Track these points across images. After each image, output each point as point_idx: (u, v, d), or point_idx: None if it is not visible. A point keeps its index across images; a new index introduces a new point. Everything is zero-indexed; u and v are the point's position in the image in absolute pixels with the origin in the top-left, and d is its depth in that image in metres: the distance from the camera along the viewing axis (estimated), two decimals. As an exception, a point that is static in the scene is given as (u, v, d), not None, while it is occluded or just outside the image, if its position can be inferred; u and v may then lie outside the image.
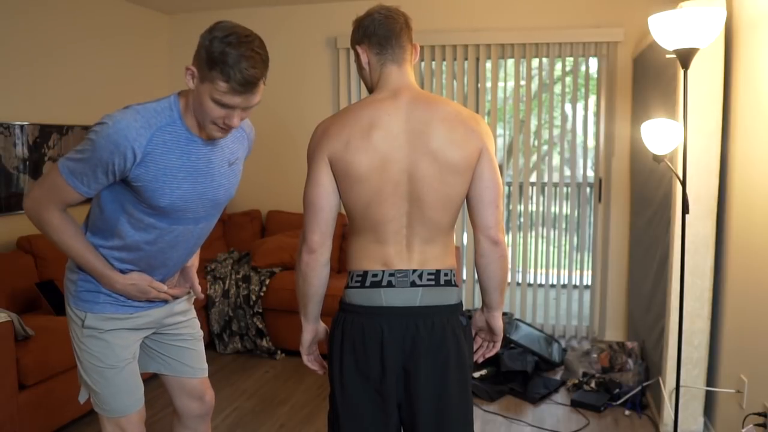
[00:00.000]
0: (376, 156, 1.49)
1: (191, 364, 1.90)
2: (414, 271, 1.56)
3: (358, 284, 1.57)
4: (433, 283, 1.56)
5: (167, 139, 1.51)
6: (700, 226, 2.71)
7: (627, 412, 3.12)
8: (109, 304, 1.69)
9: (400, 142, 1.50)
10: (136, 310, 1.74)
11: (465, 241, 4.50)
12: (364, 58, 1.60)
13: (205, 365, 1.95)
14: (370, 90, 1.63)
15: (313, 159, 1.54)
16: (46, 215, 1.58)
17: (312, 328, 1.68)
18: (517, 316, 4.34)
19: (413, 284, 1.55)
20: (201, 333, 1.95)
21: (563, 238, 4.96)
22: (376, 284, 1.55)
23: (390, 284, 1.55)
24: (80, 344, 1.70)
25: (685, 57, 2.21)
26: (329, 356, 1.61)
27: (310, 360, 1.74)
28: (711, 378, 2.80)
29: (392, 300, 1.55)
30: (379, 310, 1.55)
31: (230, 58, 1.37)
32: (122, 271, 1.68)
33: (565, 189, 4.72)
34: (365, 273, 1.56)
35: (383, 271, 1.55)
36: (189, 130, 1.55)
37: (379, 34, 1.57)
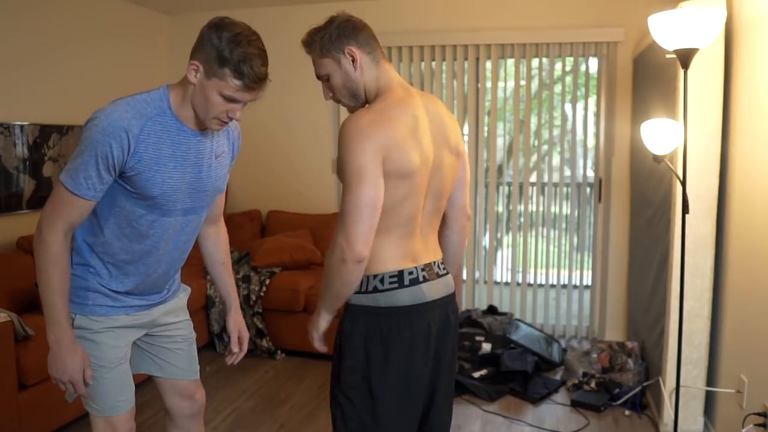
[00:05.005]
0: (421, 153, 1.51)
1: (182, 365, 1.88)
2: (434, 262, 1.62)
3: (396, 285, 1.52)
4: (446, 271, 1.66)
5: (158, 129, 1.53)
6: (700, 226, 2.71)
7: (627, 412, 3.12)
8: (99, 305, 1.65)
9: (429, 137, 1.54)
10: (131, 310, 1.71)
11: (465, 241, 4.49)
12: (359, 58, 1.54)
13: (197, 367, 1.93)
14: (360, 93, 1.58)
15: (367, 157, 1.41)
16: (49, 237, 1.52)
17: (330, 319, 1.64)
18: (517, 316, 4.34)
19: (437, 275, 1.61)
20: (194, 335, 1.93)
21: (563, 238, 4.96)
22: (415, 281, 1.55)
23: (425, 279, 1.57)
24: None
25: (685, 57, 2.21)
26: (364, 371, 1.54)
27: (321, 343, 1.71)
28: (711, 378, 2.80)
29: (433, 293, 1.58)
30: (425, 306, 1.55)
31: (244, 57, 1.43)
32: (119, 284, 1.65)
33: (565, 189, 4.72)
34: (400, 272, 1.53)
35: (416, 268, 1.56)
36: (179, 120, 1.57)
37: (364, 33, 1.56)
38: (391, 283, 1.52)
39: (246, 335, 2.01)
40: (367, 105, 1.56)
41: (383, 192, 1.43)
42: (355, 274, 1.46)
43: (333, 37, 1.53)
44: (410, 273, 1.54)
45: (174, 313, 1.86)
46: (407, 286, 1.53)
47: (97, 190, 1.51)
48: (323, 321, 1.64)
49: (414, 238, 1.56)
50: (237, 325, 1.98)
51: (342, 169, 1.43)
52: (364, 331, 1.52)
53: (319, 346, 1.70)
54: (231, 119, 1.54)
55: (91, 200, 1.53)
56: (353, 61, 1.54)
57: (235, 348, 1.97)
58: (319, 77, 1.59)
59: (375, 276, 1.52)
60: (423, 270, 1.56)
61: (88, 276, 1.65)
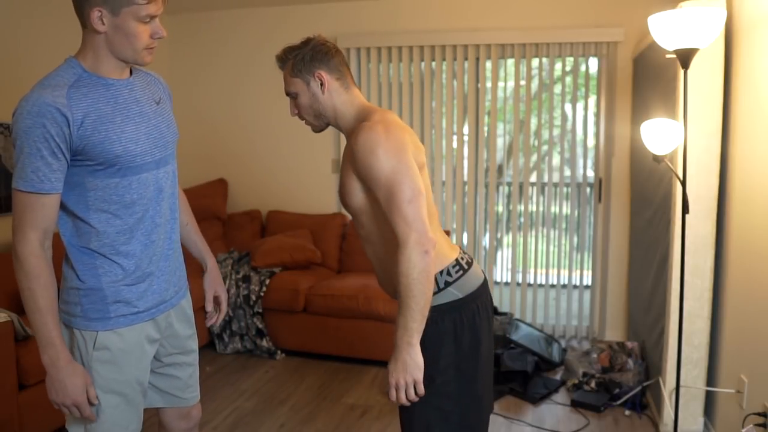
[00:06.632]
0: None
1: (186, 396, 1.82)
2: None
3: (461, 272, 1.60)
4: None
5: (85, 92, 1.49)
6: (700, 226, 2.71)
7: (627, 412, 3.12)
8: (122, 316, 1.57)
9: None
10: (156, 313, 1.65)
11: (465, 241, 4.50)
12: (327, 83, 1.60)
13: (198, 390, 1.86)
14: (326, 115, 1.64)
15: (407, 153, 1.49)
16: (24, 249, 1.45)
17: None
18: (517, 316, 4.34)
19: None
20: (197, 354, 1.88)
21: (563, 238, 4.95)
22: (469, 263, 1.64)
23: (470, 259, 1.66)
24: (87, 369, 1.56)
25: (685, 57, 2.21)
26: (457, 361, 1.55)
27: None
28: (711, 378, 2.80)
29: (480, 271, 1.68)
30: (485, 282, 1.66)
31: None
32: (127, 267, 1.58)
33: (565, 189, 4.72)
34: (457, 260, 1.62)
35: (460, 252, 1.64)
36: (101, 76, 1.54)
37: (336, 59, 1.62)
38: (456, 272, 1.59)
39: (224, 296, 1.93)
40: (360, 122, 1.58)
41: None
42: (433, 266, 1.46)
43: (306, 59, 1.59)
44: (462, 258, 1.63)
45: (187, 321, 1.80)
46: (468, 269, 1.61)
47: (51, 180, 1.44)
48: (418, 350, 1.44)
49: (440, 231, 1.63)
50: (213, 284, 1.92)
51: (384, 171, 1.45)
52: (451, 327, 1.55)
53: (422, 388, 1.47)
54: (158, 39, 1.53)
55: (50, 193, 1.45)
56: (321, 84, 1.60)
57: (208, 307, 1.90)
58: (287, 94, 1.66)
59: (441, 272, 1.57)
60: (464, 253, 1.66)
61: (102, 282, 1.56)
